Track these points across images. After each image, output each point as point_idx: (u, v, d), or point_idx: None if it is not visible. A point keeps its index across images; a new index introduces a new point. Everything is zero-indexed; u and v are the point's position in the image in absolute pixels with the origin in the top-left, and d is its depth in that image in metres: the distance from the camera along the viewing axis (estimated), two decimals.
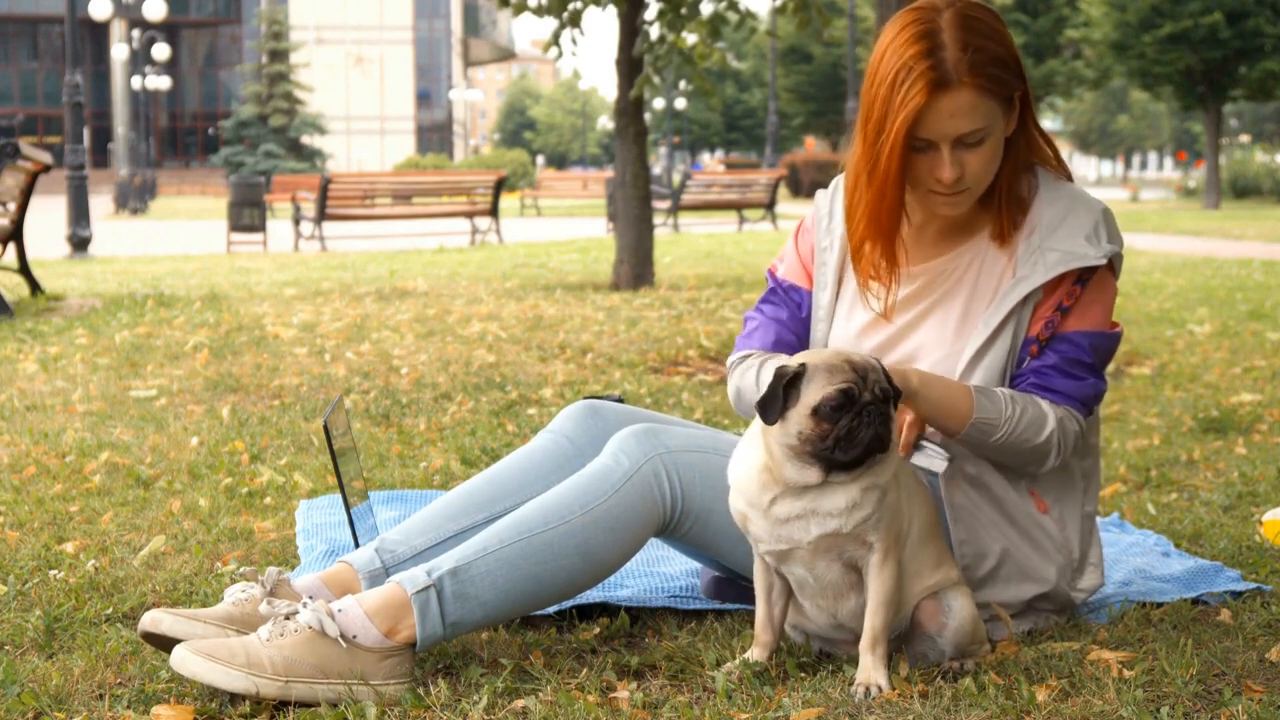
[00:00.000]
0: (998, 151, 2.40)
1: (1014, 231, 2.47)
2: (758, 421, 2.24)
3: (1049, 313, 2.43)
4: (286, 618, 2.19)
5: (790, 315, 2.62)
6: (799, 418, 2.17)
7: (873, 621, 2.21)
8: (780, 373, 2.17)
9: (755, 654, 2.28)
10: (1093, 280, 2.44)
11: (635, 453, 2.38)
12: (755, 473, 2.22)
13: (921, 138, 2.35)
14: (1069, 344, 2.43)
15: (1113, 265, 2.48)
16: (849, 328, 2.56)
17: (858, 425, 2.15)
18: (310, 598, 2.29)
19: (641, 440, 2.39)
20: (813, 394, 2.16)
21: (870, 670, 2.18)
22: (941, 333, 2.48)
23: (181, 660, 2.13)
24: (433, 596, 2.21)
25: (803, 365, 2.18)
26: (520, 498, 2.51)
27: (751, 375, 2.57)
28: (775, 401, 2.16)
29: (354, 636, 2.18)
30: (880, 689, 2.15)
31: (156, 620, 2.26)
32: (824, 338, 2.59)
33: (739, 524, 2.29)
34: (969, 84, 2.31)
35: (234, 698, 2.15)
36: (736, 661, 2.26)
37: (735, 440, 2.52)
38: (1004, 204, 2.46)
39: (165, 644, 2.26)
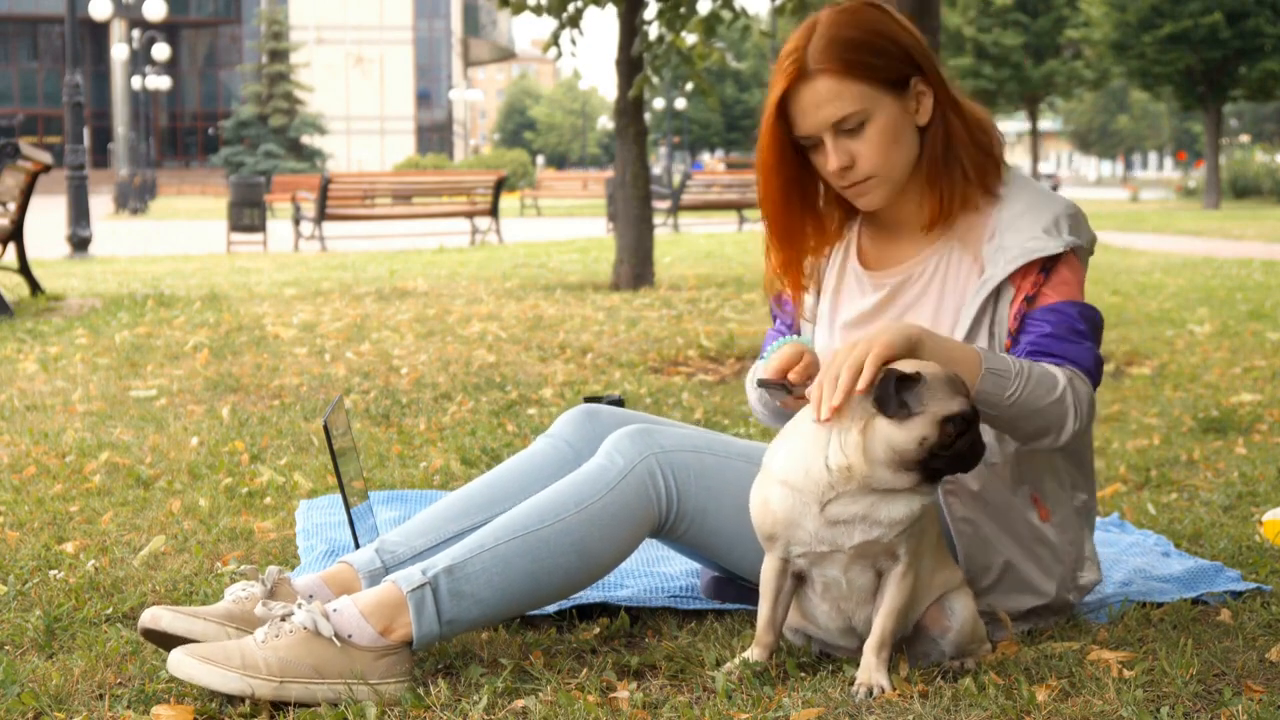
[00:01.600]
0: (893, 137, 2.39)
1: (946, 223, 2.45)
2: (816, 419, 2.21)
3: (1020, 305, 2.41)
4: (282, 619, 2.19)
5: (783, 324, 2.67)
6: (927, 425, 2.13)
7: (883, 625, 2.20)
8: (891, 372, 2.13)
9: (756, 654, 2.27)
10: (1057, 266, 2.40)
11: (630, 452, 2.38)
12: (821, 470, 2.17)
13: (803, 135, 2.40)
14: (1058, 314, 2.38)
15: (1078, 254, 2.43)
16: (833, 331, 2.57)
17: (975, 440, 2.17)
18: (310, 597, 2.30)
19: (636, 440, 2.40)
20: (942, 404, 2.14)
21: (873, 671, 2.18)
22: None
23: (177, 663, 2.13)
24: (428, 594, 2.22)
25: (918, 372, 2.14)
26: (519, 499, 2.50)
27: (749, 387, 2.62)
28: (889, 399, 2.12)
29: (349, 636, 2.18)
30: (882, 689, 2.15)
31: (156, 617, 2.26)
32: (811, 339, 2.60)
33: (764, 526, 2.24)
34: (825, 70, 2.34)
35: (234, 698, 2.15)
36: (736, 661, 2.26)
37: (731, 441, 2.51)
38: (928, 192, 2.44)
39: (165, 641, 2.26)
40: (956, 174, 2.45)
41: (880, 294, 2.51)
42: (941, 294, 2.46)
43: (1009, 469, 2.45)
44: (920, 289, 2.48)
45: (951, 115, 2.43)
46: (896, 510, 2.17)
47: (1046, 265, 2.40)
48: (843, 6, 2.42)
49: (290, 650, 2.14)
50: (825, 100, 2.35)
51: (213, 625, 2.27)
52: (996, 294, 2.41)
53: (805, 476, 2.18)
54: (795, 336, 2.53)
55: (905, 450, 2.13)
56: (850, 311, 2.55)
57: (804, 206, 2.52)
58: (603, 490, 2.34)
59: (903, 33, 2.40)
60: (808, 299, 2.61)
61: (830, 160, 2.38)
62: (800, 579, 2.28)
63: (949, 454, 2.15)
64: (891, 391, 2.12)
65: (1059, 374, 2.32)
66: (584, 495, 2.34)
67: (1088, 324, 2.40)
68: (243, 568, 2.75)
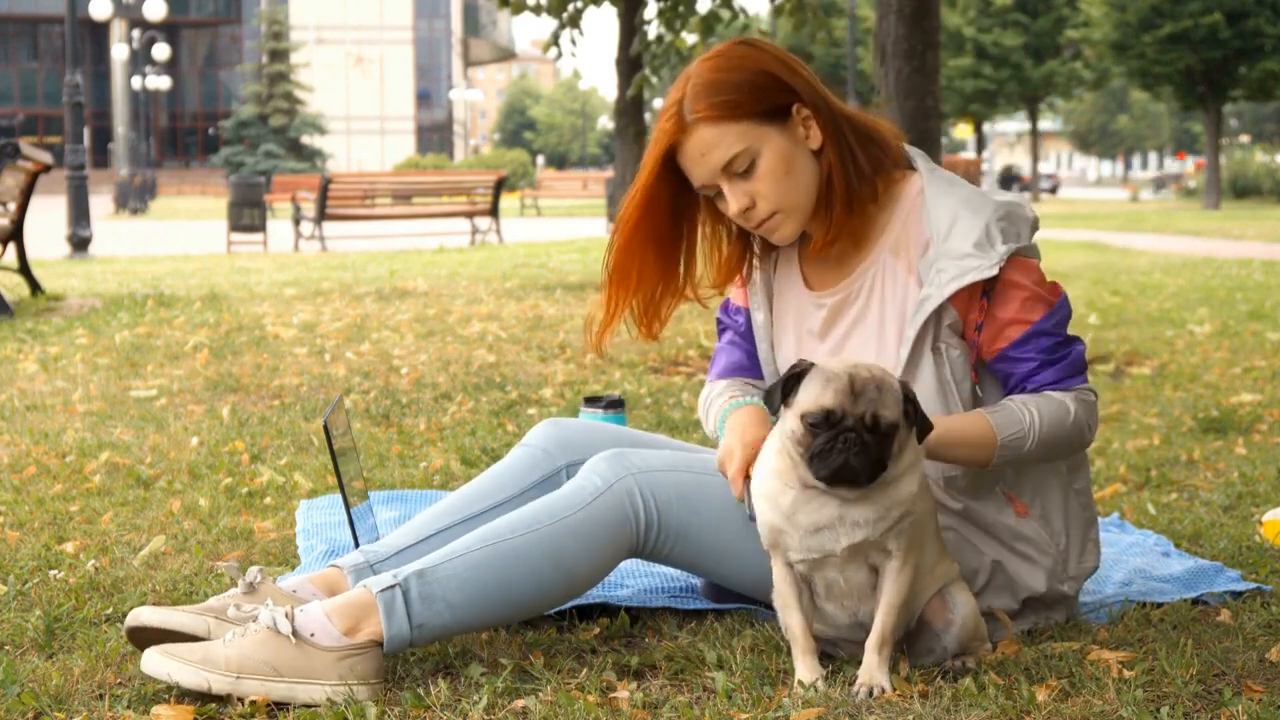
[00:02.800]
0: (786, 169, 2.38)
1: (852, 238, 2.44)
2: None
3: (973, 336, 2.40)
4: (253, 621, 2.23)
5: (735, 333, 2.67)
6: (792, 416, 2.18)
7: (883, 622, 2.20)
8: (793, 367, 2.19)
9: (810, 667, 2.22)
10: (1005, 278, 2.38)
11: (608, 473, 2.39)
12: (774, 472, 2.22)
13: (700, 186, 2.41)
14: (1040, 336, 2.39)
15: (1022, 252, 2.39)
16: (786, 348, 2.58)
17: (830, 447, 2.13)
18: (293, 591, 2.35)
19: (613, 462, 2.41)
20: (804, 399, 2.16)
21: (874, 670, 2.18)
22: (863, 355, 2.45)
23: (147, 660, 2.18)
24: (398, 596, 2.22)
25: (810, 365, 2.17)
26: (498, 498, 2.55)
27: (703, 417, 2.65)
28: (774, 396, 2.20)
29: (311, 635, 2.19)
30: (883, 690, 2.15)
31: (137, 614, 2.30)
32: (769, 355, 2.61)
33: (768, 536, 2.26)
34: (702, 118, 2.35)
35: (231, 699, 2.16)
36: (808, 685, 2.19)
37: (709, 459, 2.51)
38: (826, 208, 2.42)
39: (150, 643, 2.28)
40: (854, 186, 2.42)
41: (822, 314, 2.52)
42: (882, 308, 2.46)
43: (970, 475, 2.45)
44: (861, 306, 2.48)
45: (843, 131, 2.42)
46: (865, 511, 2.18)
47: (987, 287, 2.38)
48: (712, 51, 2.43)
49: (251, 648, 2.17)
50: (709, 147, 2.36)
51: (191, 616, 2.31)
52: (939, 313, 2.39)
53: (769, 481, 2.25)
54: (754, 399, 2.52)
55: (790, 440, 2.18)
56: (800, 332, 2.55)
57: (674, 254, 2.53)
58: (579, 505, 2.35)
59: (774, 64, 2.39)
60: (758, 316, 2.61)
61: (731, 204, 2.40)
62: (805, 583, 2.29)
63: (809, 455, 2.14)
64: (777, 388, 2.18)
65: (1066, 400, 2.37)
66: (560, 509, 2.35)
67: (1063, 326, 2.41)
68: (222, 565, 2.74)
